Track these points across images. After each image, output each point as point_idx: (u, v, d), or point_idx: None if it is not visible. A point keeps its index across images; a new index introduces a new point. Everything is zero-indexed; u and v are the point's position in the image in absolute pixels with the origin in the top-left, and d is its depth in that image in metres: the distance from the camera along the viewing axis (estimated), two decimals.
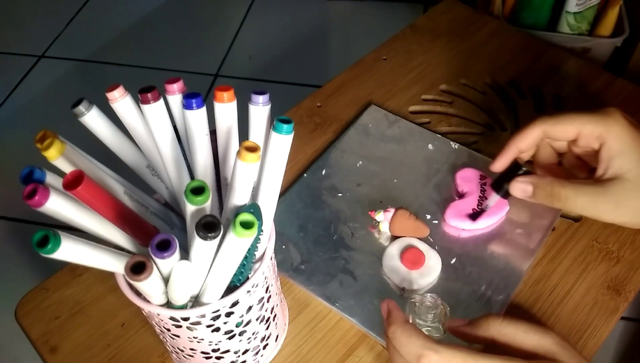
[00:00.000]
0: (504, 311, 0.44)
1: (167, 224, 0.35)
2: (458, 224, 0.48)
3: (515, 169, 0.44)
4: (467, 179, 0.51)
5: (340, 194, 0.52)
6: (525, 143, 0.43)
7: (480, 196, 0.49)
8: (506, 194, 0.44)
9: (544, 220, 0.49)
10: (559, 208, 0.40)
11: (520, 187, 0.42)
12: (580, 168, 0.45)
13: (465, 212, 0.48)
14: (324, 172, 0.54)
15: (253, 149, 0.28)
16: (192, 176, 0.35)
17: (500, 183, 0.45)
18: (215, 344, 0.36)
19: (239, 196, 0.30)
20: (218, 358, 0.38)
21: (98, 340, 0.45)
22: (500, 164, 0.44)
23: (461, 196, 0.50)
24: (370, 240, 0.48)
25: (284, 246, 0.48)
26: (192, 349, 0.37)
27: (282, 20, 1.82)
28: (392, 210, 0.48)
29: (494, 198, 0.46)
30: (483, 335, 0.36)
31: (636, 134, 0.40)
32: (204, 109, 0.31)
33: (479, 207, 0.49)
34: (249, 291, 0.34)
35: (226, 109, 0.32)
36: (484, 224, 0.48)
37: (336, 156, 0.55)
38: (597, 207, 0.39)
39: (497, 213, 0.49)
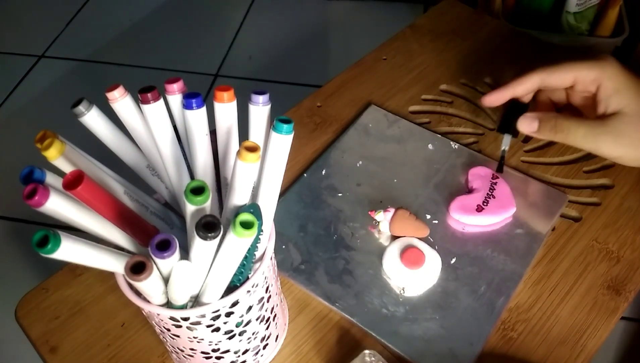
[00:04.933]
0: (502, 314, 0.44)
1: (167, 224, 0.35)
2: (461, 219, 0.48)
3: (521, 109, 0.46)
4: (479, 176, 0.51)
5: (340, 194, 0.52)
6: (521, 89, 0.46)
7: (487, 194, 0.49)
8: (515, 133, 0.46)
9: (544, 220, 0.49)
10: (561, 141, 0.43)
11: (527, 122, 0.45)
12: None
13: (471, 207, 0.49)
14: (324, 172, 0.54)
15: (253, 149, 0.28)
16: (192, 176, 0.35)
17: (507, 124, 0.46)
18: (215, 344, 0.36)
19: (239, 196, 0.30)
20: (218, 358, 0.38)
21: (98, 340, 0.45)
22: (491, 99, 0.47)
23: (470, 191, 0.50)
24: (370, 240, 0.48)
25: (284, 246, 0.48)
26: (192, 349, 0.37)
27: (282, 20, 1.82)
28: (392, 210, 0.48)
29: (507, 140, 0.48)
30: None
31: (629, 74, 0.42)
32: (204, 109, 0.31)
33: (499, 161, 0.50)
34: (249, 291, 0.34)
35: (226, 109, 0.32)
36: (489, 221, 0.48)
37: (336, 156, 0.55)
38: (597, 138, 0.42)
39: (502, 213, 0.49)
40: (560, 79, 0.44)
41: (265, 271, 0.35)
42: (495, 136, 0.57)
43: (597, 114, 0.43)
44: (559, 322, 0.44)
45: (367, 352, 0.40)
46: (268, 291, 0.37)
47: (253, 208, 0.31)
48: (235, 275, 0.33)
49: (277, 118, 0.30)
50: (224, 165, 0.34)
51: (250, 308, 0.36)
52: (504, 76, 0.63)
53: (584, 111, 0.47)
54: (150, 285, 0.29)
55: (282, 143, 0.30)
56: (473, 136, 0.58)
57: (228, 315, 0.34)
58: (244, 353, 0.39)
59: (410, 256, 0.46)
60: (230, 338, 0.36)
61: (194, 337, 0.35)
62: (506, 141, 0.49)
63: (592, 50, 1.04)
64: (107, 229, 0.30)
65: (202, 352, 0.37)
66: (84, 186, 0.26)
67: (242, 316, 0.35)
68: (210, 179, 0.34)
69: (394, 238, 0.48)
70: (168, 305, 0.33)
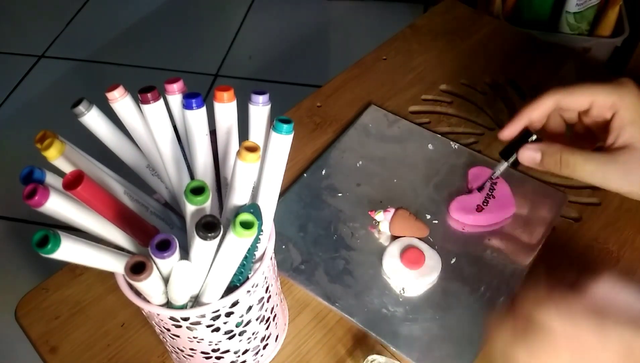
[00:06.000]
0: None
1: (167, 224, 0.35)
2: (461, 219, 0.48)
3: (525, 137, 0.43)
4: (479, 176, 0.51)
5: (340, 194, 0.52)
6: (537, 113, 0.43)
7: (487, 194, 0.49)
8: (515, 163, 0.43)
9: (544, 220, 0.49)
10: (567, 176, 0.41)
11: (529, 154, 0.42)
12: (587, 141, 0.44)
13: (471, 207, 0.49)
14: (324, 172, 0.54)
15: (253, 149, 0.28)
16: (192, 176, 0.35)
17: (510, 151, 0.44)
18: (215, 344, 0.36)
19: (239, 196, 0.30)
20: (218, 358, 0.38)
21: (98, 340, 0.45)
22: (509, 132, 0.44)
23: (470, 191, 0.50)
24: (370, 240, 0.48)
25: (284, 246, 0.48)
26: (192, 349, 0.37)
27: (282, 20, 1.82)
28: (392, 210, 0.48)
29: (502, 166, 0.45)
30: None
31: None
32: (204, 109, 0.31)
33: (480, 189, 0.49)
34: (249, 291, 0.34)
35: (226, 109, 0.32)
36: (488, 221, 0.48)
37: (336, 156, 0.55)
38: (606, 174, 0.39)
39: (502, 213, 0.49)
40: (576, 101, 0.42)
41: (265, 271, 0.35)
42: (495, 136, 0.57)
43: (606, 144, 0.41)
44: None
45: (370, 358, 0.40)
46: (268, 291, 0.37)
47: (253, 208, 0.31)
48: (235, 275, 0.33)
49: (277, 118, 0.30)
50: (224, 165, 0.34)
51: (250, 308, 0.36)
52: (504, 75, 0.63)
53: (596, 134, 0.44)
54: (150, 285, 0.29)
55: (282, 143, 0.30)
56: (473, 136, 0.58)
57: (228, 315, 0.34)
58: (244, 353, 0.39)
59: (410, 256, 0.46)
60: (230, 338, 0.36)
61: (194, 337, 0.35)
62: (500, 169, 0.46)
63: (591, 51, 1.04)
64: (107, 229, 0.30)
65: (202, 352, 0.37)
66: (84, 186, 0.26)
67: (242, 316, 0.35)
68: (210, 179, 0.34)
69: (394, 238, 0.48)
70: (168, 305, 0.33)
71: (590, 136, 0.44)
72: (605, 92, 0.40)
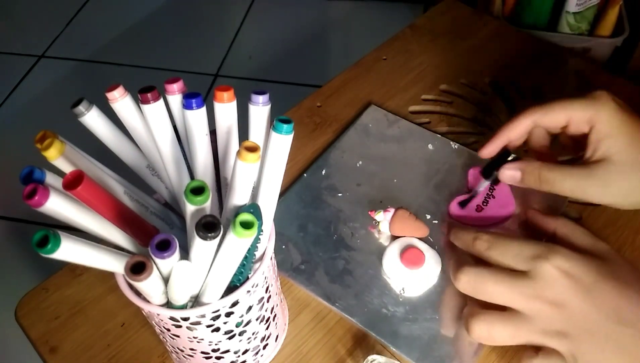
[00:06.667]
0: None
1: (167, 224, 0.35)
2: (461, 218, 0.48)
3: (504, 156, 0.44)
4: (479, 177, 0.51)
5: (340, 194, 0.52)
6: (515, 133, 0.44)
7: (487, 194, 0.49)
8: (495, 181, 0.45)
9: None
10: (548, 191, 0.42)
11: (508, 173, 0.43)
12: (573, 149, 0.45)
13: (470, 207, 0.49)
14: (324, 172, 0.54)
15: (253, 149, 0.28)
16: (192, 176, 0.35)
17: (490, 170, 0.45)
18: (215, 344, 0.36)
19: (239, 196, 0.30)
20: (218, 358, 0.38)
21: (98, 340, 0.45)
22: (488, 151, 0.45)
23: (470, 192, 0.50)
24: (370, 240, 0.48)
25: (284, 246, 0.48)
26: (192, 349, 0.37)
27: (282, 20, 1.82)
28: (392, 210, 0.48)
29: (483, 184, 0.47)
30: (547, 226, 0.42)
31: (624, 117, 0.40)
32: (203, 109, 0.31)
33: (471, 194, 0.49)
34: (249, 291, 0.34)
35: (226, 109, 0.32)
36: (488, 221, 0.48)
37: (336, 156, 0.55)
38: (585, 189, 0.40)
39: (502, 213, 0.49)
40: (553, 120, 0.42)
41: (265, 271, 0.35)
42: None
43: (585, 157, 0.41)
44: None
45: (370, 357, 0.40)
46: (268, 291, 0.37)
47: (253, 208, 0.31)
48: (235, 275, 0.33)
49: (277, 118, 0.30)
50: (224, 165, 0.34)
51: (250, 308, 0.36)
52: (504, 76, 0.63)
53: (579, 146, 0.44)
54: (150, 285, 0.29)
55: (282, 143, 0.30)
56: (473, 136, 0.58)
57: (228, 315, 0.34)
58: (244, 353, 0.39)
59: (410, 256, 0.46)
60: (230, 338, 0.36)
61: (194, 337, 0.35)
62: (482, 186, 0.47)
63: (591, 51, 1.04)
64: (107, 229, 0.30)
65: (202, 352, 0.37)
66: (84, 186, 0.26)
67: (242, 316, 0.35)
68: (210, 179, 0.34)
69: (394, 238, 0.48)
70: (168, 305, 0.33)
71: (577, 145, 0.44)
72: (581, 107, 0.41)
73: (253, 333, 0.38)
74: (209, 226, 0.27)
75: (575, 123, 0.42)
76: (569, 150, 0.46)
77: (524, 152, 0.51)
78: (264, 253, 0.35)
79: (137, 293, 0.33)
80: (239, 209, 0.30)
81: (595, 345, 0.34)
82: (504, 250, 0.38)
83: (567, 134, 0.44)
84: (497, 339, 0.37)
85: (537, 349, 0.37)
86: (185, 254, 0.30)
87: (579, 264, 0.36)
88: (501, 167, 0.43)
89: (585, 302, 0.35)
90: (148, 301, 0.32)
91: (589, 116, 0.41)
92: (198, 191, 0.27)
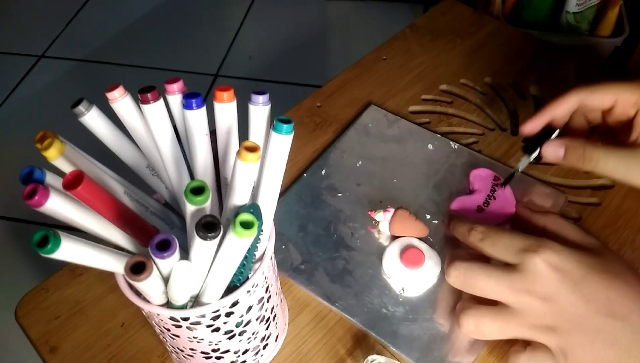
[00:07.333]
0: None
1: (167, 224, 0.35)
2: None
3: (548, 133, 0.43)
4: (481, 178, 0.51)
5: (340, 194, 0.52)
6: (560, 111, 0.43)
7: (488, 195, 0.49)
8: (538, 158, 0.44)
9: None
10: (590, 170, 0.41)
11: (552, 150, 0.42)
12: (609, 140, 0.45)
13: (471, 207, 0.49)
14: (323, 172, 0.54)
15: (253, 149, 0.28)
16: (192, 176, 0.35)
17: (533, 145, 0.44)
18: (215, 344, 0.36)
19: (239, 196, 0.30)
20: (218, 358, 0.38)
21: (98, 340, 0.45)
22: (530, 127, 0.44)
23: (471, 193, 0.50)
24: (370, 240, 0.48)
25: (284, 246, 0.48)
26: (192, 349, 0.37)
27: (282, 20, 1.82)
28: (392, 210, 0.48)
29: (524, 161, 0.46)
30: (537, 222, 0.42)
31: None
32: (203, 109, 0.31)
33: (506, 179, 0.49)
34: (249, 291, 0.34)
35: (226, 109, 0.32)
36: (489, 221, 0.48)
37: (336, 156, 0.55)
38: (628, 169, 0.40)
39: (503, 214, 0.48)
40: (600, 99, 0.42)
41: (265, 271, 0.35)
42: (495, 136, 0.57)
43: (630, 140, 0.41)
44: None
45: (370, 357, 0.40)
46: (268, 291, 0.37)
47: (253, 208, 0.31)
48: (235, 275, 0.33)
49: (277, 118, 0.30)
50: (224, 165, 0.34)
51: (250, 308, 0.36)
52: (504, 76, 0.63)
53: (618, 133, 0.44)
54: (150, 285, 0.29)
55: (282, 143, 0.30)
56: (473, 136, 0.58)
57: (228, 315, 0.34)
58: (244, 353, 0.39)
59: (410, 256, 0.46)
60: (230, 338, 0.36)
61: (194, 337, 0.35)
62: (524, 163, 0.46)
63: (591, 51, 1.04)
64: (107, 229, 0.30)
65: (202, 352, 0.37)
66: (84, 186, 0.26)
67: (242, 316, 0.35)
68: (210, 179, 0.34)
69: (394, 238, 0.48)
70: (168, 305, 0.33)
71: (612, 137, 0.44)
72: (629, 89, 0.41)
73: (253, 333, 0.38)
74: (209, 226, 0.27)
75: (622, 105, 0.41)
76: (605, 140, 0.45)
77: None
78: (264, 253, 0.35)
79: (137, 293, 0.33)
80: (239, 209, 0.30)
81: (585, 338, 0.34)
82: (496, 241, 0.38)
83: (606, 125, 0.44)
84: (486, 333, 0.37)
85: (526, 344, 0.37)
86: (185, 254, 0.30)
87: (568, 258, 0.36)
88: (545, 143, 0.42)
89: (574, 295, 0.35)
90: (148, 301, 0.32)
91: (636, 99, 0.41)
92: (198, 191, 0.27)
